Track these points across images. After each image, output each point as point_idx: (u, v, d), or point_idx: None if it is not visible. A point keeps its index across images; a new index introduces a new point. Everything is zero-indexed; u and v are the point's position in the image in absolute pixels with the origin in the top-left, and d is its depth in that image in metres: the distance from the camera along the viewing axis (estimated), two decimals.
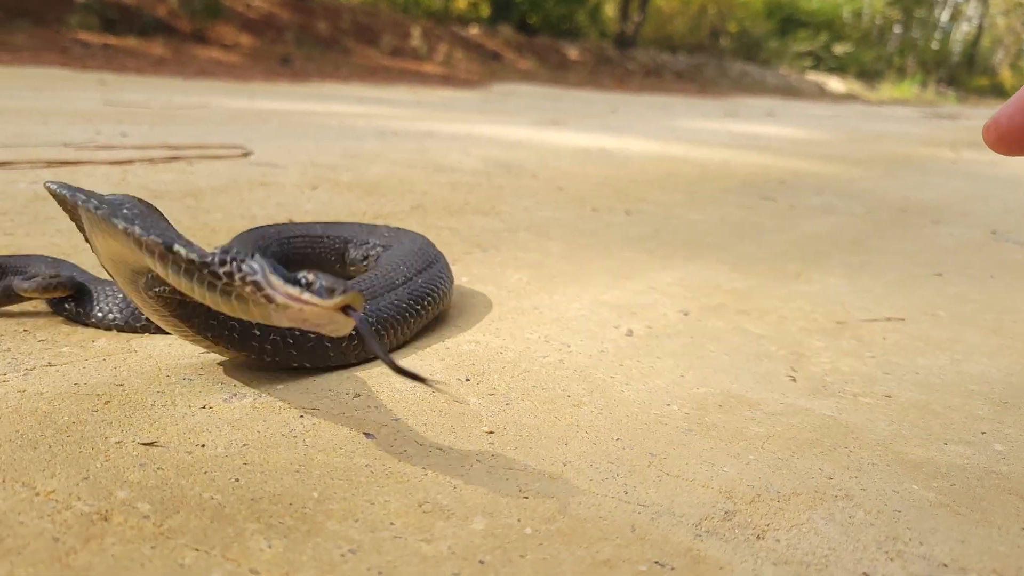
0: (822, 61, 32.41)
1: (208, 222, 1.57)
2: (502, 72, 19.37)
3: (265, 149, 2.56)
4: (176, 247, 0.70)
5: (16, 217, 1.54)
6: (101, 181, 1.82)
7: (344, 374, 0.93)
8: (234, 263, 0.69)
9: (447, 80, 13.18)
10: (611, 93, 12.91)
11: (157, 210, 0.83)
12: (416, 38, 20.77)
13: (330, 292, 0.65)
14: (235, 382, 0.88)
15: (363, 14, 21.49)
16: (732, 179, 2.95)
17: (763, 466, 0.80)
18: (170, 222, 0.83)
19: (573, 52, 24.20)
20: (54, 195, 0.80)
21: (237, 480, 0.69)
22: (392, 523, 0.65)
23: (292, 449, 0.75)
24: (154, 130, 2.86)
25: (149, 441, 0.74)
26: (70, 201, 0.77)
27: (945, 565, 0.66)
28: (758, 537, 0.68)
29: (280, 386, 0.88)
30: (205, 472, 0.70)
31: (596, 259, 1.60)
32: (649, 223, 1.99)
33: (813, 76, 30.79)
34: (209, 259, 0.70)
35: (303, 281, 0.66)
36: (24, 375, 0.85)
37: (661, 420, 0.89)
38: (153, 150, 2.35)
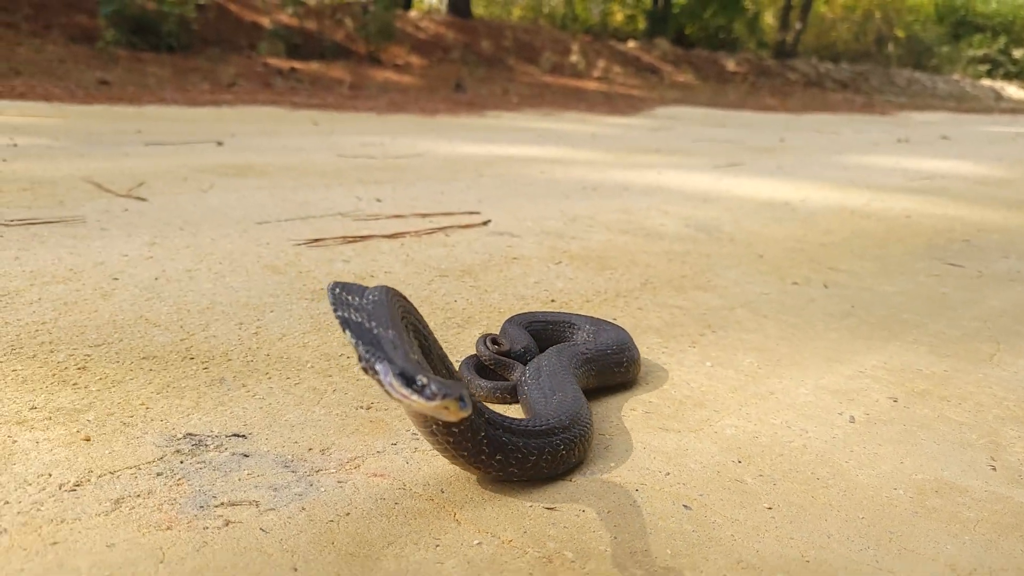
0: (999, 66, 30.63)
1: (490, 302, 1.98)
2: (660, 86, 19.52)
3: (496, 215, 2.99)
4: (358, 347, 0.99)
5: None
6: (391, 259, 2.28)
7: (653, 454, 1.29)
8: (367, 362, 0.97)
9: (609, 100, 13.52)
10: (773, 113, 12.90)
11: (398, 305, 1.13)
12: (575, 54, 21.22)
13: (433, 396, 0.89)
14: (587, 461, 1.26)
15: (523, 31, 22.15)
16: (917, 239, 3.15)
17: (976, 546, 1.10)
18: (399, 318, 1.10)
19: (731, 63, 24.01)
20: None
21: (615, 537, 1.06)
22: (724, 575, 1.00)
23: (637, 516, 1.12)
24: (397, 192, 3.36)
25: (550, 506, 1.12)
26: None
27: None
28: None
29: (613, 463, 1.25)
30: (593, 530, 1.07)
31: (807, 340, 1.90)
32: (846, 298, 2.27)
33: (988, 83, 29.14)
34: (361, 362, 0.98)
35: (418, 384, 0.91)
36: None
37: (892, 502, 1.21)
38: (410, 219, 2.82)
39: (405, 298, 1.20)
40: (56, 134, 4.64)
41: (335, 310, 1.07)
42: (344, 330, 1.04)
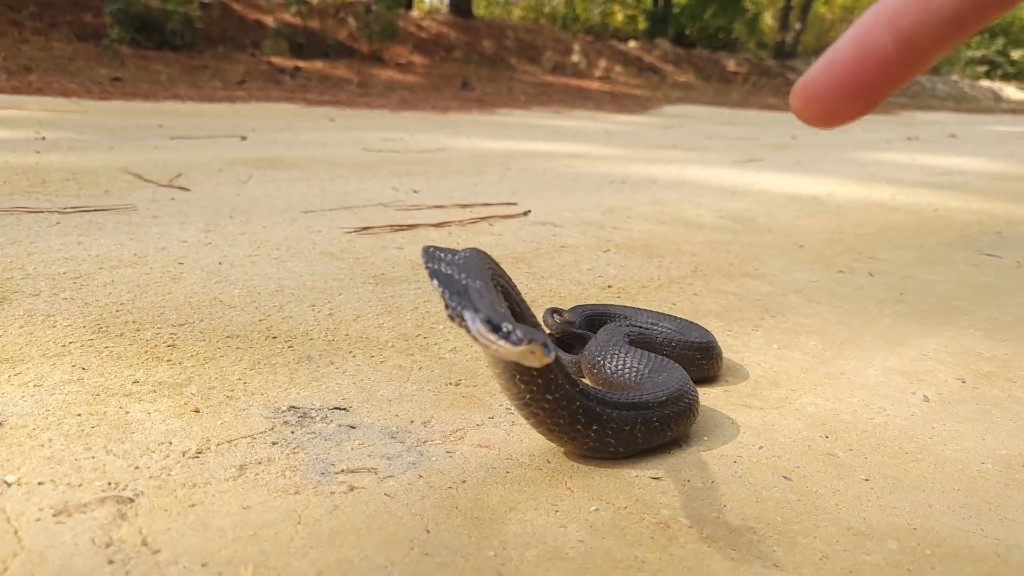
0: (997, 67, 30.76)
1: (549, 288, 2.00)
2: (662, 86, 19.57)
3: (533, 205, 3.01)
4: (444, 295, 1.01)
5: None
6: (441, 245, 2.30)
7: (742, 429, 1.31)
8: (454, 310, 0.99)
9: (615, 98, 13.56)
10: (778, 112, 12.95)
11: (488, 264, 1.14)
12: (576, 54, 21.25)
13: (519, 341, 0.90)
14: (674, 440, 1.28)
15: (525, 31, 22.19)
16: (949, 231, 3.18)
17: None
18: (490, 277, 1.11)
19: (731, 63, 24.09)
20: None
21: (725, 506, 1.08)
22: (837, 541, 1.02)
23: (742, 486, 1.14)
24: (431, 184, 3.38)
25: (655, 476, 1.14)
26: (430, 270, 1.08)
27: None
28: None
29: (706, 438, 1.28)
30: (700, 499, 1.09)
31: (864, 324, 1.92)
32: (893, 285, 2.29)
33: (987, 83, 29.27)
34: (448, 309, 1.01)
35: (504, 330, 0.92)
36: None
37: (982, 475, 1.23)
38: (451, 209, 2.84)
39: (496, 262, 1.22)
40: (81, 128, 4.65)
41: (426, 263, 1.09)
42: (432, 279, 1.06)
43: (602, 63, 21.01)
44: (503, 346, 0.92)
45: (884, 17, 0.38)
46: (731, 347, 1.70)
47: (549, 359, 0.93)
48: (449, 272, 1.08)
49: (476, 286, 1.05)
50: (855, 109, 0.40)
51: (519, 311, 1.22)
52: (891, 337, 1.84)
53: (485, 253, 1.19)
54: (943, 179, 4.93)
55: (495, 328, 0.93)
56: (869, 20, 0.39)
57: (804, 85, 0.41)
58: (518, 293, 1.25)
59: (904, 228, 3.19)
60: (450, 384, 1.39)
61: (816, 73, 0.40)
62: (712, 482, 1.14)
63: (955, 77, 29.28)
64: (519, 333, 0.91)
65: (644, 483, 1.12)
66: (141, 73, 9.28)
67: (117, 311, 1.58)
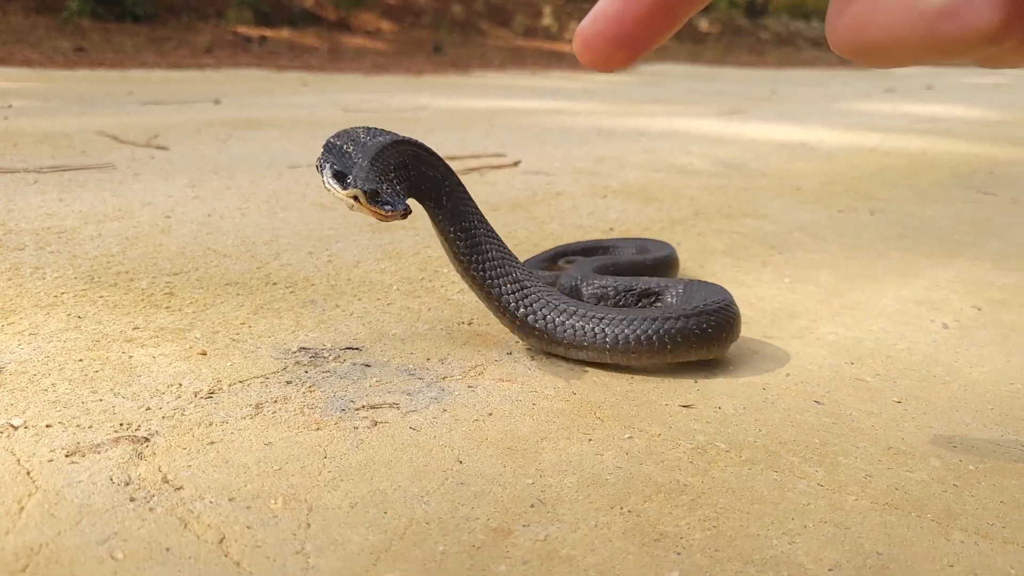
0: None
1: (551, 231, 1.95)
2: None
3: (522, 155, 2.95)
4: (321, 162, 1.03)
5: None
6: None
7: (766, 358, 1.28)
8: (318, 162, 1.02)
9: None
10: (754, 69, 12.90)
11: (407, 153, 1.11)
12: (547, 16, 21.03)
13: (347, 186, 0.93)
14: (703, 366, 1.24)
15: None
16: (941, 171, 3.16)
17: None
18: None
19: (703, 23, 23.95)
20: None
21: (760, 430, 1.04)
22: (880, 460, 0.99)
23: (773, 412, 1.10)
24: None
25: (686, 404, 1.10)
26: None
27: None
28: None
29: (731, 367, 1.24)
30: (735, 424, 1.05)
31: (873, 259, 1.89)
32: (895, 222, 2.26)
33: None
34: (317, 161, 1.04)
35: (348, 181, 0.95)
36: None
37: (1014, 395, 1.20)
38: None
39: (432, 155, 1.17)
40: (47, 96, 4.51)
41: (334, 136, 1.09)
42: (322, 151, 1.06)
43: (574, 25, 20.78)
44: (335, 190, 0.95)
45: None
46: (743, 282, 1.66)
47: (381, 211, 0.93)
48: (348, 150, 1.05)
49: (359, 162, 1.01)
50: (623, 57, 0.43)
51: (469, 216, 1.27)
52: (901, 269, 1.81)
53: (414, 147, 1.14)
54: (928, 125, 4.92)
55: (339, 177, 0.96)
56: None
57: (581, 31, 0.44)
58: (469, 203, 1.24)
59: (897, 170, 3.16)
60: (462, 323, 1.34)
61: (588, 22, 0.43)
62: (744, 408, 1.10)
63: None
64: (350, 180, 0.93)
65: (675, 411, 1.08)
66: (104, 44, 9.05)
67: (108, 263, 1.51)
